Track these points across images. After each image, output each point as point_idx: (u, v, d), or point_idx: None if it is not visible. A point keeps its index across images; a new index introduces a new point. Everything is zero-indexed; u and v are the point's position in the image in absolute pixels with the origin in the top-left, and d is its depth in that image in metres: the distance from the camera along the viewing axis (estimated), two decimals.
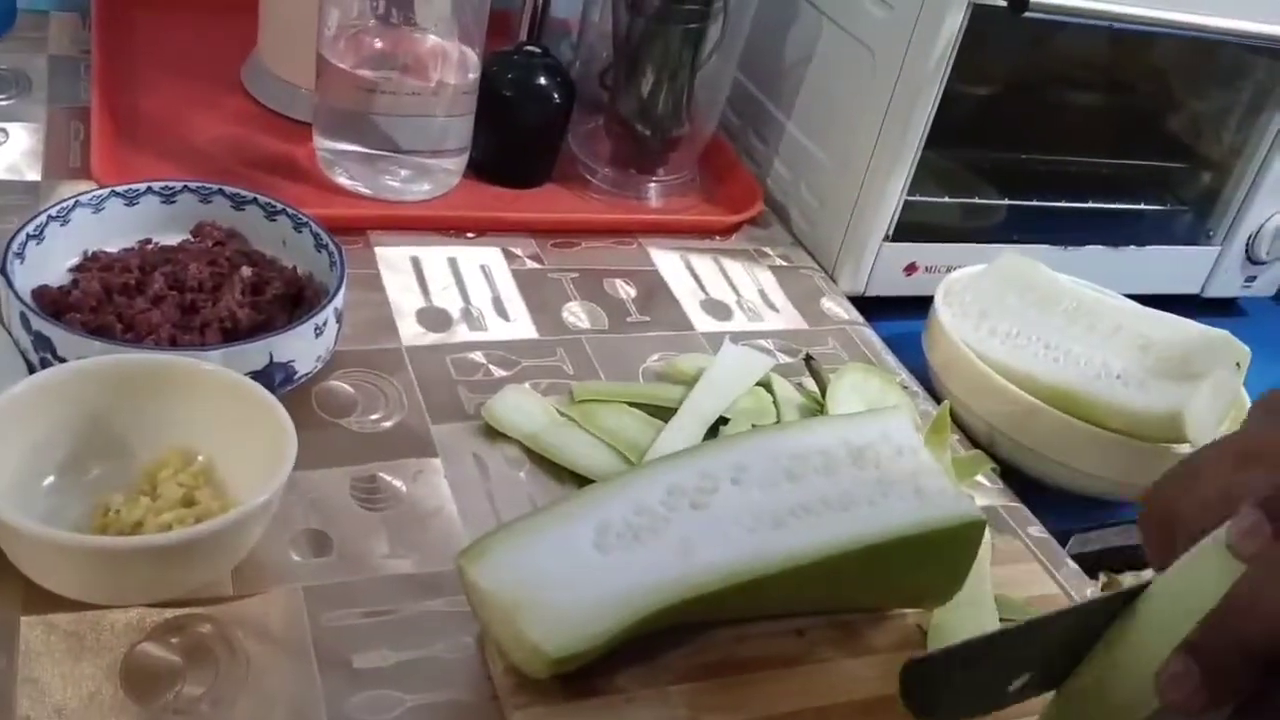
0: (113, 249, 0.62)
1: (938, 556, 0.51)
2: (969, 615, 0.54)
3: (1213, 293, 0.96)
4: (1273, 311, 1.02)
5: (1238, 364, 0.67)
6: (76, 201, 0.61)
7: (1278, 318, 1.02)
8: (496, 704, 0.47)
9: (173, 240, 0.63)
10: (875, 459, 0.53)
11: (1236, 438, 0.42)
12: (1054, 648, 0.42)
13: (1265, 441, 0.40)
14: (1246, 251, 0.95)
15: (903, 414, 0.56)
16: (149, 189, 0.63)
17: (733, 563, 0.47)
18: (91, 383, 0.50)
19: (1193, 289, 0.95)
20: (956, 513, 0.50)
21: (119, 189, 0.62)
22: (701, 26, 0.78)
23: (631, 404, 0.64)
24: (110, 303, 0.57)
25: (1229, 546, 0.36)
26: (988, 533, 0.60)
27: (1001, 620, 0.55)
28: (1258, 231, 0.93)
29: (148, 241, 0.63)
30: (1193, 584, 0.38)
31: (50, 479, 0.50)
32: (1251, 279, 0.97)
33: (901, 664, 0.40)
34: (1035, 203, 0.88)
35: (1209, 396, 0.66)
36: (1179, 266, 0.94)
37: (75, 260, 0.61)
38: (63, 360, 0.52)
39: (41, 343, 0.53)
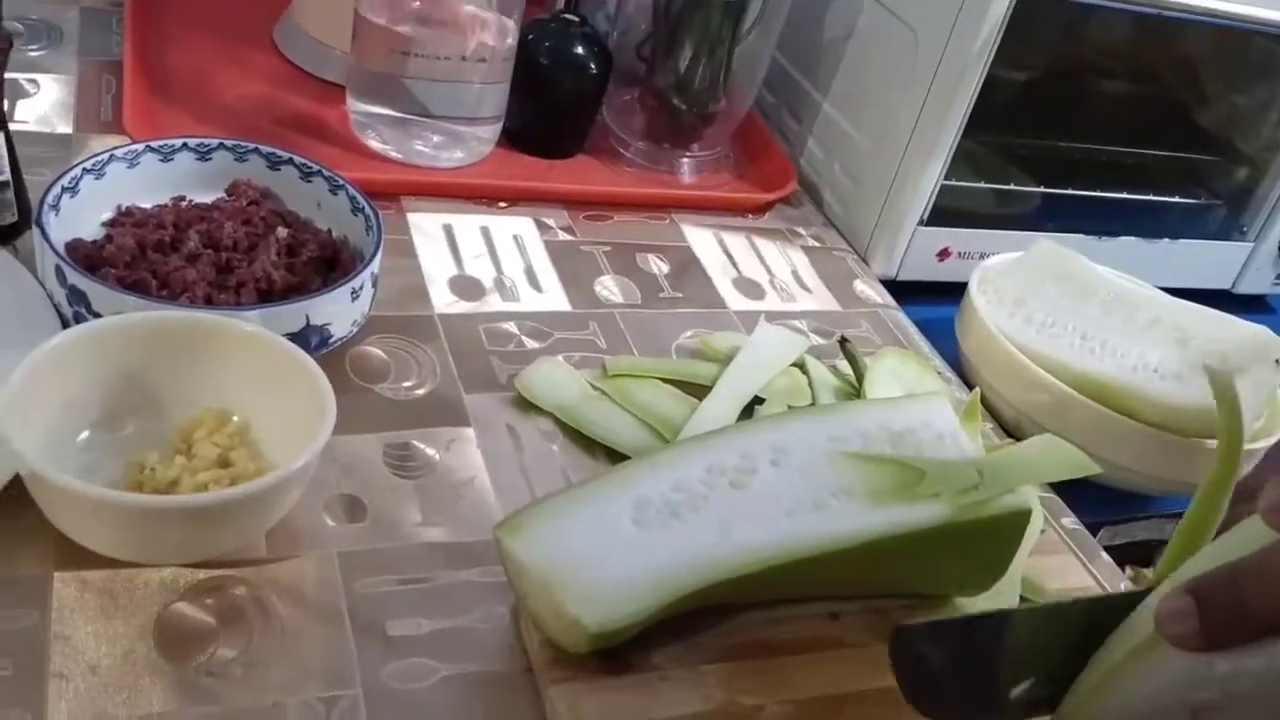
0: (146, 204, 0.61)
1: (980, 545, 0.50)
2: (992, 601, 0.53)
3: (1244, 289, 0.95)
4: None
5: (1276, 361, 0.67)
6: (111, 155, 0.60)
7: None
8: (530, 676, 0.46)
9: (206, 198, 0.62)
10: (916, 444, 0.52)
11: None
12: (1054, 653, 0.41)
13: None
14: (1279, 249, 0.94)
15: (943, 399, 0.55)
16: (184, 145, 0.62)
17: (771, 544, 0.47)
18: (127, 339, 0.50)
19: (1224, 284, 0.95)
20: (1001, 501, 0.50)
21: (154, 144, 0.62)
22: (742, 1, 0.77)
23: (665, 380, 0.63)
24: (144, 259, 0.57)
25: (1261, 515, 0.36)
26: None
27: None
28: None
29: (181, 198, 0.62)
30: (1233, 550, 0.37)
31: (85, 434, 0.49)
32: None
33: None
34: (1070, 191, 0.87)
35: (1246, 392, 0.65)
36: (1210, 261, 0.93)
37: (108, 215, 0.60)
38: (97, 315, 0.52)
39: (76, 297, 0.52)
